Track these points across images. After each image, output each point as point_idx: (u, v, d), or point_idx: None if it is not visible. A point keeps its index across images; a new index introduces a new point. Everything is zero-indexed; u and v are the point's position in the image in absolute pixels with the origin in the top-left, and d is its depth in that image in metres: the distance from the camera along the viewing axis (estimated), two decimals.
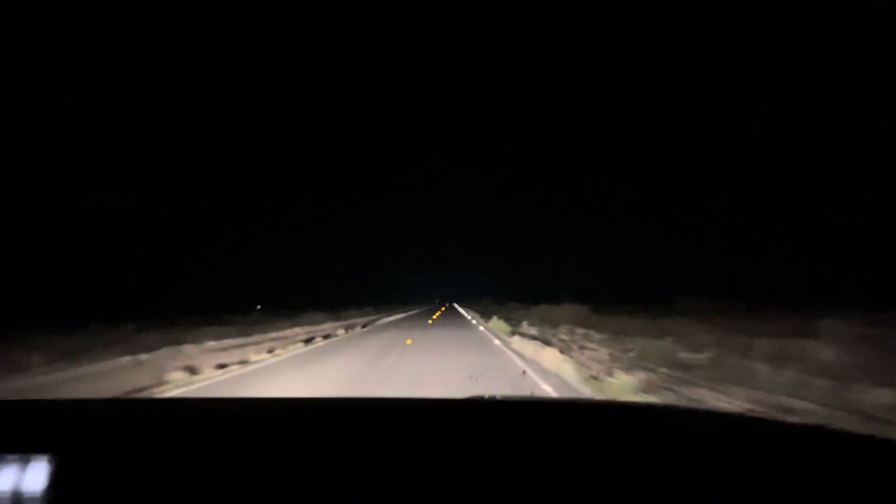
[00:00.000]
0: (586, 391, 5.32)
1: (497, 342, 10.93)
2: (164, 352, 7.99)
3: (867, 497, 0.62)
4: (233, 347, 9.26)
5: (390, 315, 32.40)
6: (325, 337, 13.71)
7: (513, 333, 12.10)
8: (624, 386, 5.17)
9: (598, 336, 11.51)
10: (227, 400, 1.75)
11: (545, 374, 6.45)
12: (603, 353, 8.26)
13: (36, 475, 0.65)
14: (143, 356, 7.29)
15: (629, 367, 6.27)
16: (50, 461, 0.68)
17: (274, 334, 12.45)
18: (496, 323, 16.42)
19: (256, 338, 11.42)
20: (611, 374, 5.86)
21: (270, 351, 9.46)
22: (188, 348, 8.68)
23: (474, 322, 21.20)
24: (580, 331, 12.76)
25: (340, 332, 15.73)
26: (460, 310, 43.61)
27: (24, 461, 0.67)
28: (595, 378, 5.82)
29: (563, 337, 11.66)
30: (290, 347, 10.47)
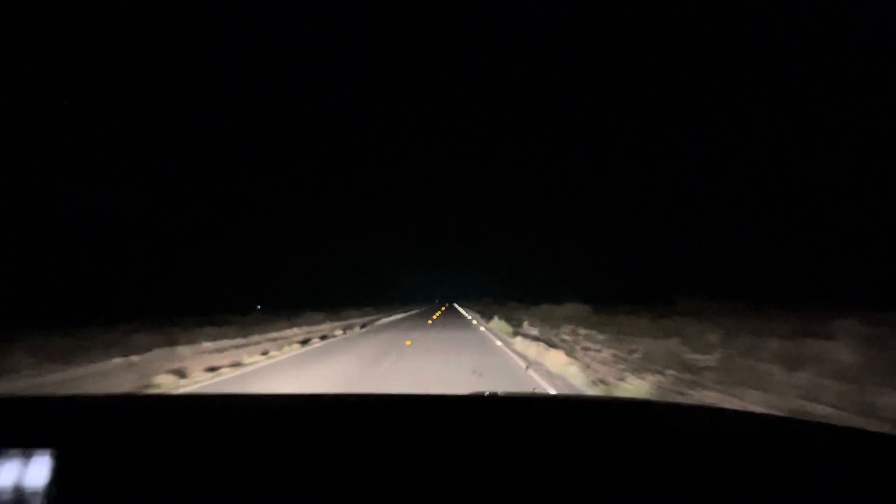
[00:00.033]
0: None
1: (498, 343, 10.72)
2: (158, 353, 7.79)
3: (868, 493, 0.61)
4: (228, 349, 9.06)
5: (390, 315, 32.19)
6: (323, 338, 13.48)
7: (514, 334, 11.89)
8: (633, 391, 4.98)
9: (600, 336, 11.32)
10: (229, 396, 1.71)
11: (549, 376, 6.26)
12: (607, 354, 8.07)
13: (38, 470, 0.65)
14: (135, 358, 7.10)
15: (635, 370, 6.08)
16: (52, 456, 0.68)
17: (272, 335, 12.25)
18: (497, 323, 16.20)
19: (253, 338, 11.22)
20: (618, 377, 5.67)
21: (265, 353, 9.23)
22: (183, 349, 8.48)
23: (475, 322, 21.01)
24: (582, 331, 12.57)
25: (338, 332, 15.51)
26: (460, 310, 43.43)
27: (27, 456, 0.67)
28: (602, 382, 5.63)
29: (566, 337, 11.47)
30: (286, 349, 10.24)
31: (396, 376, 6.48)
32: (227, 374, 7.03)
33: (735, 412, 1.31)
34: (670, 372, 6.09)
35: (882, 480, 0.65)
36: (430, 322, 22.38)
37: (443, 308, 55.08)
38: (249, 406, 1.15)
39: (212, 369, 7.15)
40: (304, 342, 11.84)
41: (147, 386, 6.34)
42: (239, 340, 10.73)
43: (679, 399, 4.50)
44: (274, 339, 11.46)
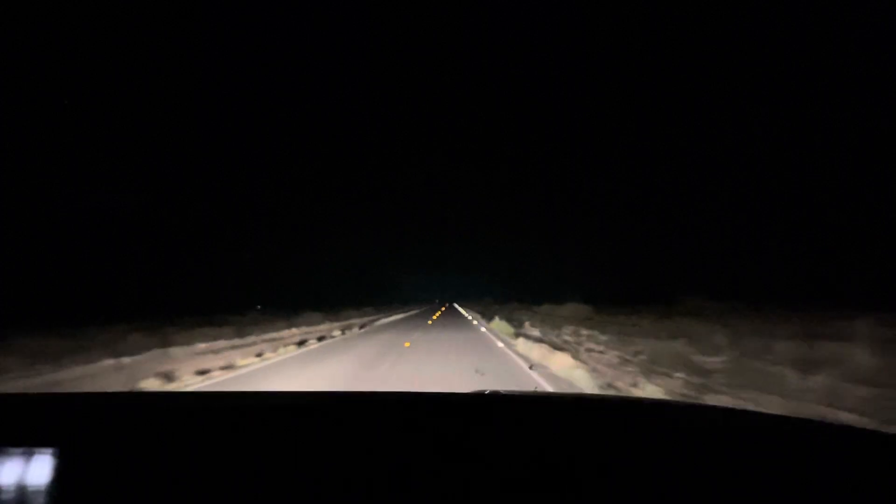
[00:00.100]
0: None
1: (500, 344, 10.51)
2: (151, 354, 7.59)
3: (869, 493, 0.61)
4: (224, 350, 8.86)
5: (389, 315, 32.00)
6: (320, 339, 13.26)
7: (516, 335, 11.68)
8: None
9: (602, 337, 11.12)
10: (231, 393, 1.79)
11: (554, 379, 6.05)
12: (611, 355, 7.87)
13: (40, 469, 0.65)
14: (127, 359, 6.91)
15: (643, 372, 5.89)
16: (54, 455, 0.69)
17: (269, 335, 12.04)
18: (498, 324, 15.99)
19: (250, 339, 11.01)
20: (630, 382, 5.46)
21: (259, 355, 9.00)
22: (176, 350, 8.28)
23: (475, 322, 20.82)
24: (584, 331, 12.37)
25: (337, 333, 15.29)
26: (461, 310, 43.25)
27: (29, 455, 0.68)
28: (611, 386, 5.42)
29: (568, 338, 11.27)
30: (281, 350, 10.00)
31: (395, 379, 6.28)
32: (217, 376, 6.81)
33: (735, 411, 1.29)
34: (679, 374, 5.89)
35: (882, 480, 0.64)
36: (429, 322, 22.18)
37: (443, 308, 54.92)
38: (251, 404, 1.14)
39: (202, 372, 6.92)
40: (301, 343, 11.60)
41: (132, 390, 6.14)
42: (235, 341, 10.52)
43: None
44: (271, 340, 11.25)
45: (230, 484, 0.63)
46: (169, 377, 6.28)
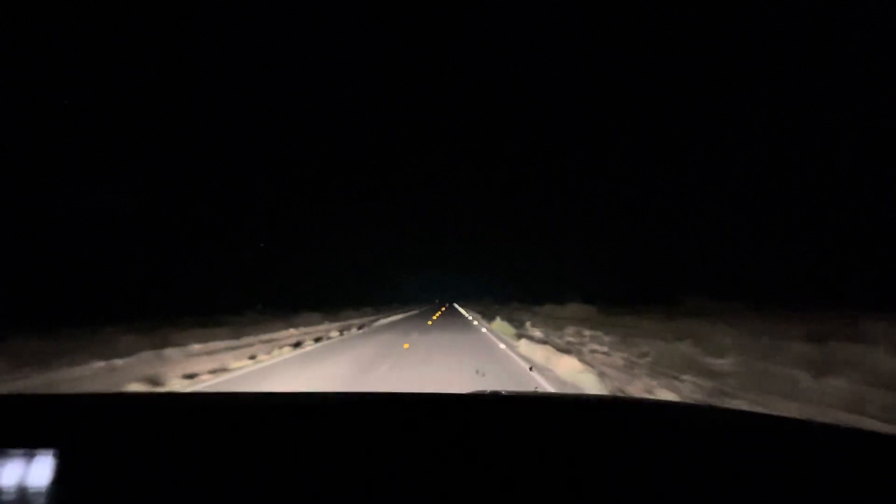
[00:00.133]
0: None
1: (502, 346, 10.27)
2: (143, 356, 7.41)
3: (869, 493, 0.61)
4: (218, 351, 8.67)
5: (389, 316, 31.79)
6: (317, 340, 13.04)
7: (518, 336, 11.46)
8: None
9: (606, 338, 10.93)
10: (232, 394, 1.71)
11: (562, 384, 5.82)
12: (616, 357, 7.67)
13: (41, 470, 0.65)
14: (118, 362, 6.72)
15: (651, 375, 5.69)
16: (55, 456, 0.68)
17: (266, 336, 11.85)
18: (500, 324, 15.77)
19: (246, 340, 10.82)
20: (644, 389, 5.24)
21: (252, 357, 8.76)
22: (170, 352, 8.10)
23: (476, 323, 20.60)
24: (587, 332, 12.18)
25: (334, 334, 15.06)
26: (461, 310, 43.03)
27: (29, 456, 0.68)
28: (622, 392, 5.20)
29: (571, 339, 11.08)
30: (276, 353, 9.73)
31: (392, 383, 6.07)
32: (206, 380, 6.51)
33: (735, 411, 1.27)
34: (687, 377, 5.70)
35: (882, 480, 0.64)
36: (429, 323, 21.96)
37: (443, 308, 54.71)
38: (251, 404, 1.14)
39: (190, 376, 6.65)
40: (297, 345, 11.36)
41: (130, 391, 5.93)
42: (231, 342, 10.32)
43: None
44: (267, 342, 11.05)
45: (230, 484, 0.63)
46: (155, 381, 6.04)
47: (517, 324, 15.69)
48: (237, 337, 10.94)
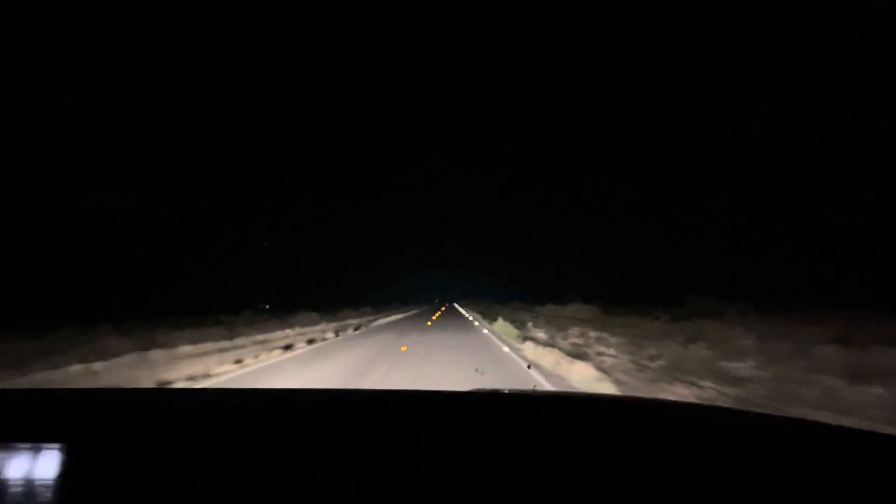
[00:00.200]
0: None
1: (506, 349, 9.84)
2: (126, 359, 6.99)
3: (869, 493, 0.60)
4: (208, 353, 8.25)
5: (388, 315, 31.41)
6: (310, 342, 12.63)
7: (523, 338, 11.04)
8: None
9: (613, 340, 10.53)
10: (237, 390, 1.65)
11: None
12: (625, 360, 7.27)
13: (47, 464, 0.65)
14: (98, 365, 6.31)
15: (669, 381, 5.29)
16: (61, 450, 0.69)
17: (261, 336, 11.43)
18: (502, 325, 15.34)
19: (239, 341, 10.40)
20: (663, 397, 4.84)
21: (238, 361, 8.33)
22: (156, 354, 7.67)
23: (476, 324, 20.18)
24: (593, 334, 11.79)
25: (330, 335, 14.63)
26: (461, 310, 42.62)
27: (36, 450, 0.68)
28: None
29: (576, 341, 10.67)
30: (263, 356, 9.31)
31: (392, 386, 5.66)
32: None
33: (735, 411, 1.25)
34: (707, 384, 5.30)
35: (882, 480, 0.64)
36: (429, 324, 21.56)
37: (443, 308, 54.31)
38: (255, 402, 1.14)
39: (164, 384, 6.23)
40: (287, 347, 10.94)
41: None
42: (223, 343, 9.90)
43: None
44: (261, 343, 10.64)
45: (233, 481, 0.63)
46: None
47: (519, 324, 15.29)
48: (231, 338, 10.51)
